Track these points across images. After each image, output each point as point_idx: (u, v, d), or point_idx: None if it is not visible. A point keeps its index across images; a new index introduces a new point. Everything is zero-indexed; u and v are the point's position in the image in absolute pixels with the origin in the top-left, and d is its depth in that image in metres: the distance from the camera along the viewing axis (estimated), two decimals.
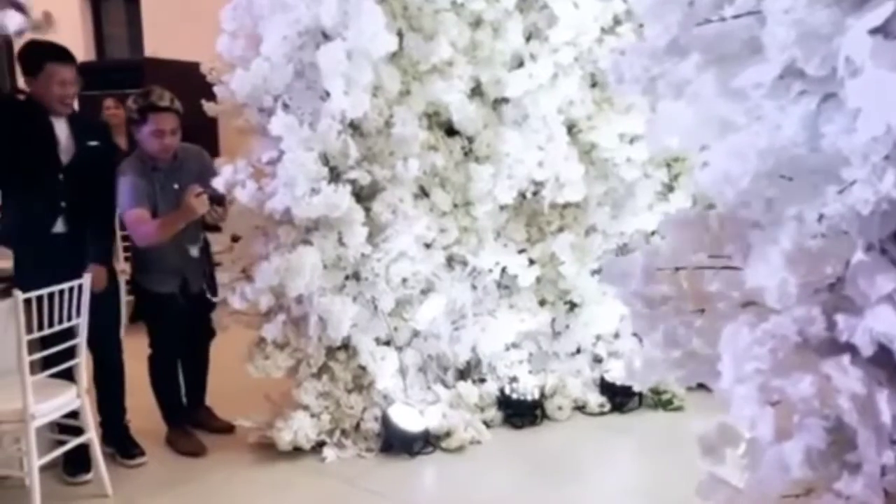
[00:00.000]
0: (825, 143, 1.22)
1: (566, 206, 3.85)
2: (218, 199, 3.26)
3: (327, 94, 3.09)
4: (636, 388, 3.76)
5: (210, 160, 3.49)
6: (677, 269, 1.21)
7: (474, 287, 3.75)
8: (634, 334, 3.91)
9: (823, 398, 1.17)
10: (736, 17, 1.23)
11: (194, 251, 3.39)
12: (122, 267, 4.08)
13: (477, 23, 3.60)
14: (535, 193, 3.79)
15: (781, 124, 1.26)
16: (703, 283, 1.25)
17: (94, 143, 3.21)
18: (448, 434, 3.46)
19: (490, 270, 3.74)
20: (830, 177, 1.20)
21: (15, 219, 3.11)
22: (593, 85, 3.81)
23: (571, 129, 3.78)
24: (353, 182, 3.28)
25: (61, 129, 3.12)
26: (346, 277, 3.43)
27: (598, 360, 3.98)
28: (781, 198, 1.20)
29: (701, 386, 2.13)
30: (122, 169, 3.28)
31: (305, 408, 3.39)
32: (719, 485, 1.41)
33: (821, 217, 1.17)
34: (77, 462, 3.14)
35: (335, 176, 3.26)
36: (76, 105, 3.41)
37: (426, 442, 3.45)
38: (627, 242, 3.97)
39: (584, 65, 3.72)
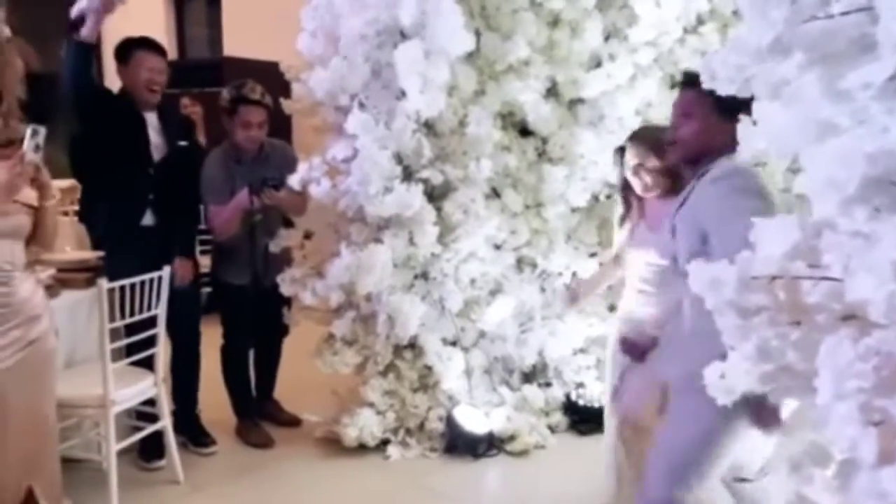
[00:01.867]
0: None
1: None
2: (276, 184, 3.32)
3: (403, 93, 3.10)
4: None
5: (295, 156, 3.55)
6: (774, 278, 1.15)
7: (543, 290, 3.70)
8: None
9: None
10: (845, 13, 1.16)
11: (273, 246, 3.46)
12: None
13: (555, 22, 3.56)
14: (608, 196, 3.71)
15: (889, 127, 1.19)
16: (799, 294, 1.18)
17: (183, 143, 3.34)
18: (512, 437, 3.43)
19: (560, 273, 3.68)
20: None
21: (106, 212, 3.22)
22: (673, 86, 3.71)
23: None
24: (425, 181, 3.28)
25: (152, 124, 3.24)
26: (416, 276, 3.43)
27: None
28: (890, 205, 1.13)
29: None
30: (207, 162, 3.42)
31: (371, 405, 3.41)
32: None
33: None
34: (152, 448, 3.23)
35: (408, 175, 3.27)
36: None
37: (490, 444, 3.42)
38: None
39: (664, 66, 3.62)
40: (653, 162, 2.43)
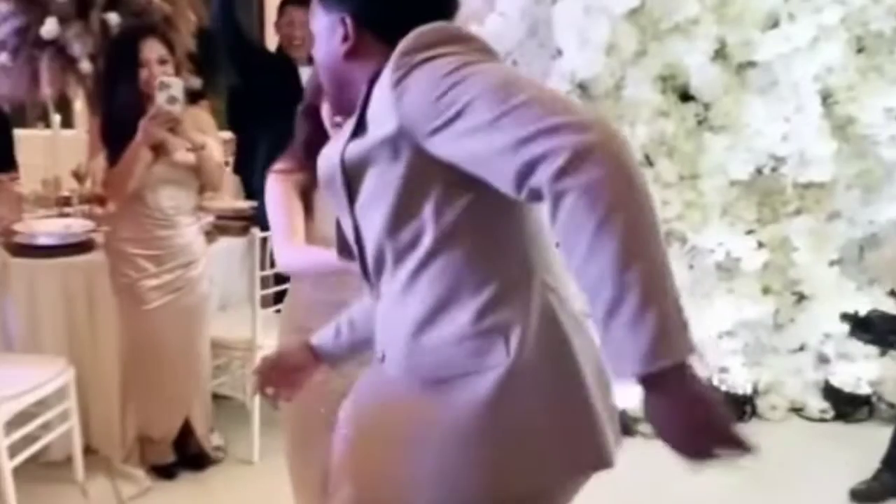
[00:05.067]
0: None
1: (808, 186, 3.45)
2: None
3: (559, 52, 2.97)
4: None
5: None
6: None
7: (691, 267, 3.50)
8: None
9: None
10: None
11: None
12: None
13: None
14: (773, 170, 3.42)
15: None
16: None
17: None
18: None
19: (712, 251, 3.45)
20: None
21: (260, 164, 3.32)
22: (860, 50, 3.34)
23: (826, 99, 3.35)
24: None
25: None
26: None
27: (824, 360, 3.59)
28: None
29: None
30: None
31: None
32: None
33: None
34: None
35: None
36: None
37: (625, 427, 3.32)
38: (877, 232, 3.50)
39: (851, 27, 3.25)
40: None
